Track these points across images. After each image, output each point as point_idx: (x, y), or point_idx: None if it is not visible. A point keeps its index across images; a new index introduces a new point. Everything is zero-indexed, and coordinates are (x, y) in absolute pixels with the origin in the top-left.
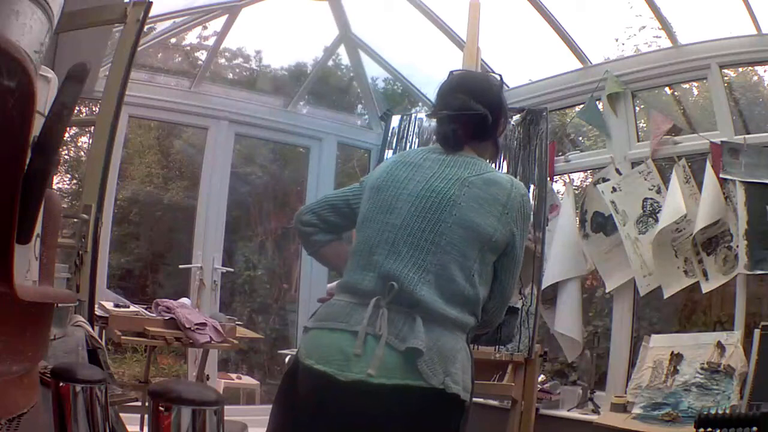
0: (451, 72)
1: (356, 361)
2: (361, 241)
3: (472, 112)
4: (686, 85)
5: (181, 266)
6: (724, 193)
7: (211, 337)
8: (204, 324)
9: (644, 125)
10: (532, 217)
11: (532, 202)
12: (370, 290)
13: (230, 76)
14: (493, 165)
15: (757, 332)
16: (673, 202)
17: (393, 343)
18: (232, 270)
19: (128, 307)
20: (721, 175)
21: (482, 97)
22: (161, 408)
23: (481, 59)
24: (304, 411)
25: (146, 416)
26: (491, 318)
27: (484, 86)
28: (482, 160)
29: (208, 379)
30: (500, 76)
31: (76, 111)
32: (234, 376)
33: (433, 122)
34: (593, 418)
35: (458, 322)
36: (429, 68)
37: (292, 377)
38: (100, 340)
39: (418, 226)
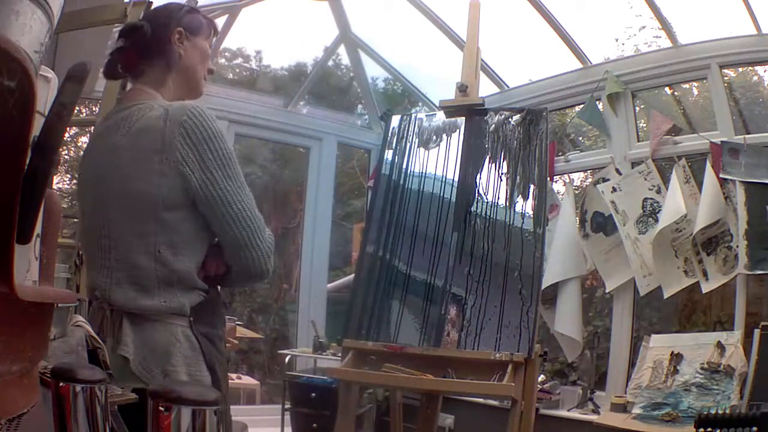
0: None
1: None
2: None
3: (128, 30)
4: (686, 85)
5: None
6: (724, 193)
7: None
8: None
9: (644, 125)
10: (211, 133)
11: (203, 112)
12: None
13: (230, 76)
14: (179, 79)
15: (757, 332)
16: (673, 202)
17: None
18: None
19: None
20: (721, 175)
21: (145, 17)
22: (161, 408)
23: (481, 59)
24: None
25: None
26: (239, 273)
27: (154, 9)
28: (138, 104)
29: None
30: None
31: (76, 111)
32: (234, 376)
33: (433, 122)
34: (593, 418)
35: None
36: (429, 68)
37: None
38: (100, 340)
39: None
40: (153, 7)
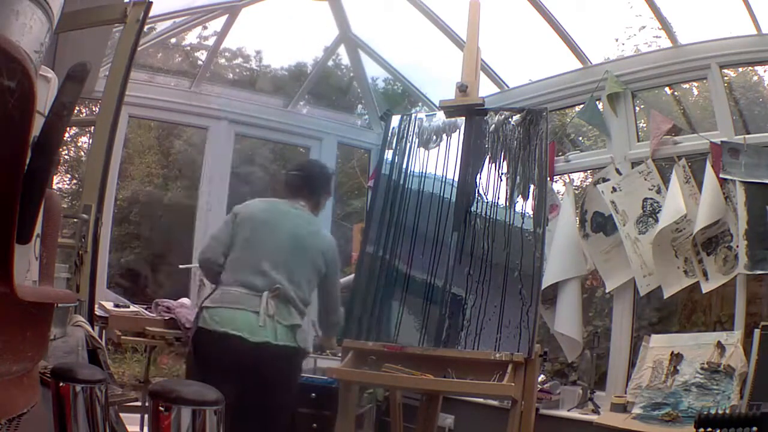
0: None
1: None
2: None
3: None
4: (686, 85)
5: (181, 266)
6: (724, 193)
7: None
8: None
9: (644, 125)
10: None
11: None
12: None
13: (230, 76)
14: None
15: (757, 332)
16: (673, 202)
17: (280, 320)
18: None
19: (128, 307)
20: (721, 175)
21: (321, 172)
22: (161, 408)
23: (481, 59)
24: (218, 366)
25: (146, 416)
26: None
27: (324, 170)
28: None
29: None
30: (334, 169)
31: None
32: None
33: (433, 122)
34: (593, 418)
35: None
36: (429, 68)
37: (198, 343)
38: (100, 340)
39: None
40: (322, 169)
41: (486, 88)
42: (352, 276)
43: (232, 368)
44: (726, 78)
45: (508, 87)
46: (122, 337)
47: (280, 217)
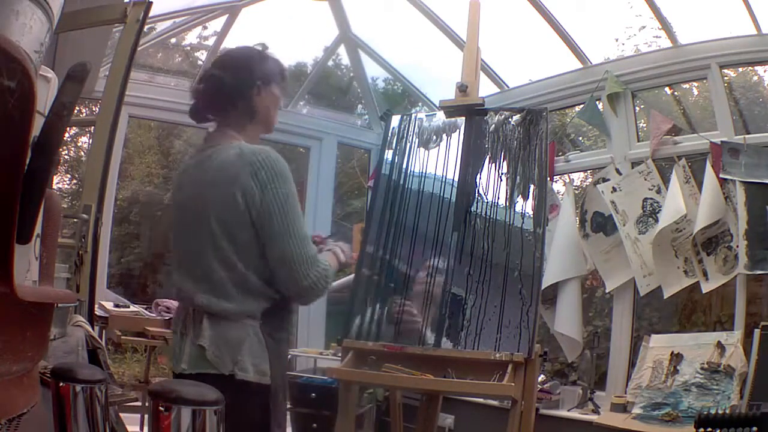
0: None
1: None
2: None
3: (212, 80)
4: (686, 85)
5: None
6: (724, 193)
7: None
8: None
9: (644, 125)
10: (271, 168)
11: (271, 155)
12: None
13: None
14: (260, 129)
15: (757, 332)
16: (673, 202)
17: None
18: None
19: (128, 307)
20: (721, 175)
21: (224, 65)
22: (161, 408)
23: (481, 59)
24: None
25: (146, 416)
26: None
27: (230, 56)
28: (215, 146)
29: None
30: (262, 46)
31: (76, 111)
32: None
33: (433, 122)
34: (593, 418)
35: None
36: (429, 68)
37: None
38: (100, 340)
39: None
40: (229, 54)
41: (486, 88)
42: (351, 276)
43: None
44: (726, 78)
45: (508, 87)
46: (122, 337)
47: (179, 178)
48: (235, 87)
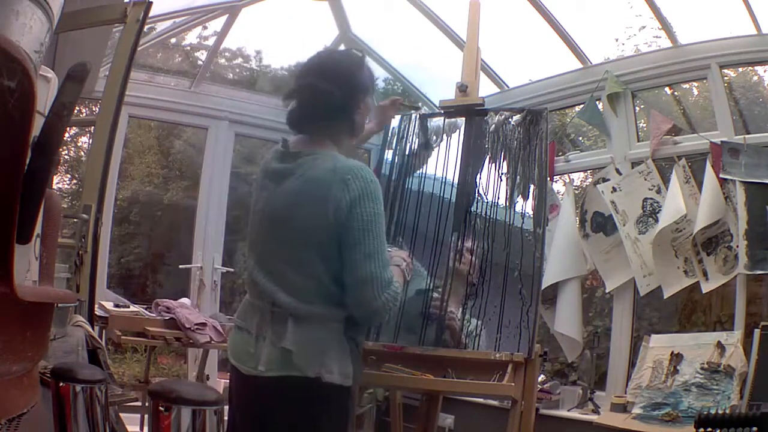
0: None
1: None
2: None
3: (318, 91)
4: (686, 85)
5: (181, 266)
6: (724, 193)
7: (211, 337)
8: (204, 324)
9: (644, 125)
10: (364, 188)
11: (364, 174)
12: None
13: (230, 76)
14: (351, 140)
15: (757, 332)
16: (673, 202)
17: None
18: (232, 270)
19: (128, 307)
20: (721, 175)
21: (330, 75)
22: (161, 408)
23: (481, 59)
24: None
25: (146, 416)
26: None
27: (335, 64)
28: (315, 154)
29: (208, 379)
30: (362, 52)
31: (76, 111)
32: None
33: (433, 121)
34: (593, 418)
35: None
36: (429, 68)
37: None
38: (100, 340)
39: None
40: (335, 62)
41: (486, 88)
42: None
43: (238, 410)
44: (726, 78)
45: (508, 87)
46: (122, 337)
47: (267, 180)
48: (341, 102)
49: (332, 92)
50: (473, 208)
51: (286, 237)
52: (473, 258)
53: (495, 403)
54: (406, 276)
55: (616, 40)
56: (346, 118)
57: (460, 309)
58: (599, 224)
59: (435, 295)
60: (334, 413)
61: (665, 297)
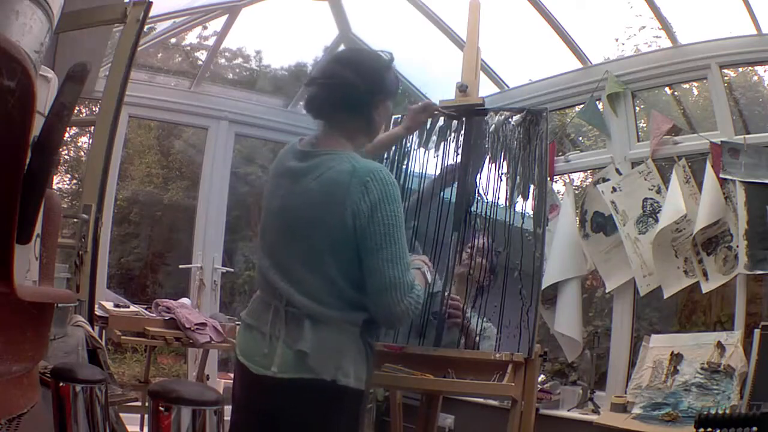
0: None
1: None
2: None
3: (342, 79)
4: (686, 85)
5: (181, 266)
6: (724, 193)
7: (211, 337)
8: (204, 324)
9: (644, 125)
10: (386, 190)
11: (384, 176)
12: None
13: (230, 76)
14: (367, 141)
15: (757, 332)
16: (673, 202)
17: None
18: (232, 270)
19: (128, 307)
20: (721, 175)
21: (357, 68)
22: (161, 408)
23: (481, 59)
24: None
25: (146, 416)
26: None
27: (363, 59)
28: (331, 154)
29: (208, 379)
30: (391, 54)
31: (76, 111)
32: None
33: (433, 121)
34: (593, 418)
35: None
36: (429, 68)
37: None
38: (100, 340)
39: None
40: (361, 57)
41: (486, 88)
42: None
43: (244, 410)
44: (726, 78)
45: (508, 87)
46: (122, 337)
47: (283, 179)
48: (363, 96)
49: (356, 84)
50: (473, 208)
51: (303, 238)
52: (483, 260)
53: (495, 403)
54: (427, 279)
55: (616, 40)
56: (366, 114)
57: (470, 310)
58: (599, 224)
59: (448, 297)
60: (346, 416)
61: (665, 297)
